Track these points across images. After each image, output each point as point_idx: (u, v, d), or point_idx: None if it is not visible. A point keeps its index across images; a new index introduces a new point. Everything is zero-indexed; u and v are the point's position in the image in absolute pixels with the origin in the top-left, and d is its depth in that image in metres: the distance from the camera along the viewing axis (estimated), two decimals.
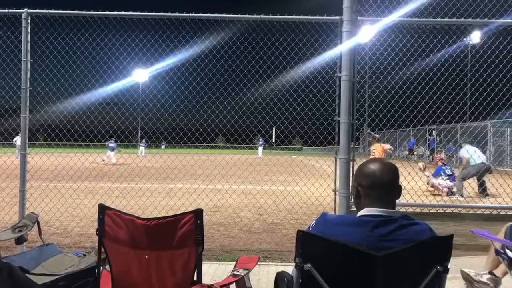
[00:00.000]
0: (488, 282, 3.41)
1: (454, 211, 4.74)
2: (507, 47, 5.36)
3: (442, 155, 13.22)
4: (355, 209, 4.57)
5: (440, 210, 4.78)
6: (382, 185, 1.86)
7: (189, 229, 2.11)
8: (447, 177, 11.51)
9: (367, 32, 4.95)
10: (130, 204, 7.27)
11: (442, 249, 1.76)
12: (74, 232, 5.85)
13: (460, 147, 11.63)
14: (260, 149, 36.01)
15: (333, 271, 1.73)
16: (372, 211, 1.82)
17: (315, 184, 8.38)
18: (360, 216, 1.85)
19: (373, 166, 1.89)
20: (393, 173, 1.90)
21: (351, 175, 4.37)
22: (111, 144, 23.68)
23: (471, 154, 10.68)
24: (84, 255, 3.08)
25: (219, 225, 6.54)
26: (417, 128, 27.39)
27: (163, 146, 36.21)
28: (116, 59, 5.74)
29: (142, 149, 33.00)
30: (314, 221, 1.94)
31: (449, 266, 1.75)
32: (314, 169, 15.96)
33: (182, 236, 2.11)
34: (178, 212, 2.17)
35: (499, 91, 5.53)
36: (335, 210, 4.45)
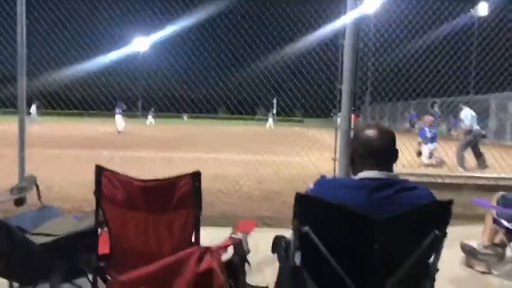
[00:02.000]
0: (494, 253, 3.41)
1: (453, 182, 4.75)
2: None
3: (431, 118, 12.97)
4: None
5: (440, 181, 4.78)
6: (380, 152, 1.83)
7: (187, 190, 2.10)
8: (427, 141, 11.24)
9: (372, 3, 4.81)
10: (130, 172, 7.28)
11: (442, 214, 1.75)
12: (75, 198, 5.88)
13: (461, 109, 11.16)
14: (271, 120, 35.18)
15: (331, 234, 1.72)
16: (372, 173, 1.79)
17: (315, 154, 8.37)
18: (359, 179, 1.82)
19: (369, 133, 1.86)
20: (390, 138, 1.87)
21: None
22: (120, 108, 22.08)
23: (469, 117, 10.34)
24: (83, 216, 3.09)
25: (219, 192, 6.57)
26: (418, 100, 27.08)
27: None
28: (116, 25, 5.62)
29: (150, 118, 32.38)
30: (312, 184, 1.92)
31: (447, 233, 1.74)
32: (315, 139, 15.93)
33: (179, 198, 2.10)
34: None
35: (502, 65, 5.42)
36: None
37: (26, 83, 4.57)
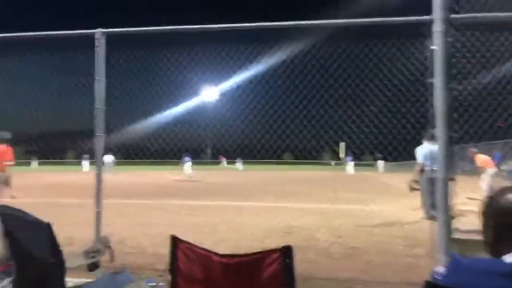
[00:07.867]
0: None
1: None
2: None
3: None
4: (456, 237, 3.87)
5: None
6: None
7: (276, 269, 1.73)
8: None
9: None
10: (200, 223, 7.07)
11: None
12: (148, 252, 5.74)
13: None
14: (351, 164, 33.25)
15: None
16: None
17: (392, 202, 7.62)
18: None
19: None
20: None
21: (449, 196, 3.80)
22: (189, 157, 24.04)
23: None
24: (156, 283, 2.83)
25: (294, 248, 6.09)
26: (506, 140, 24.69)
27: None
28: (189, 77, 5.64)
29: (238, 164, 33.13)
30: (444, 268, 1.45)
31: None
32: (390, 185, 14.93)
33: (267, 277, 1.74)
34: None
35: None
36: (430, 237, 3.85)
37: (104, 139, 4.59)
